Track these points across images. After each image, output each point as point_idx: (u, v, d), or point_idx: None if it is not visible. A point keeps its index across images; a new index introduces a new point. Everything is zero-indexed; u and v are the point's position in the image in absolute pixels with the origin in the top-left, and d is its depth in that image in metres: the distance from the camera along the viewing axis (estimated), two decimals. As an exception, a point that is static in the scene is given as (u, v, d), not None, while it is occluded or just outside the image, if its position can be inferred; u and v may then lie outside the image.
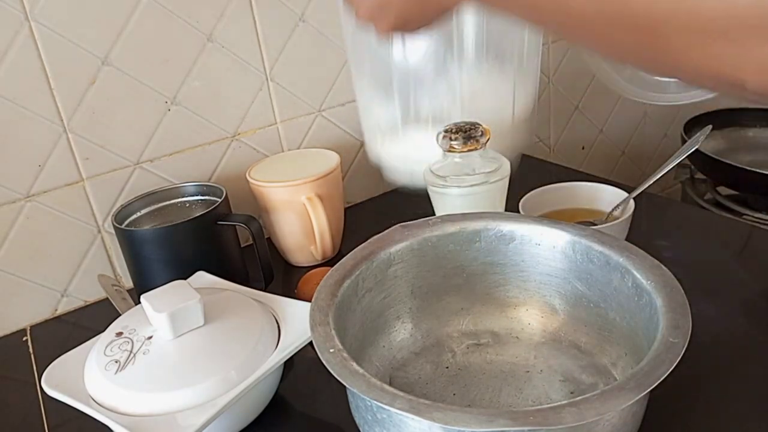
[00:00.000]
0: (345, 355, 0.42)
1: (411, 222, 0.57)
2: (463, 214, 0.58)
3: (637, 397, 0.37)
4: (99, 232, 0.76)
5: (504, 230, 0.56)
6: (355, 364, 0.42)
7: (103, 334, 0.54)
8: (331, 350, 0.43)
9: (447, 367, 0.55)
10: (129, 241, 0.68)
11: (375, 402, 0.39)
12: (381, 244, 0.55)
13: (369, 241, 0.55)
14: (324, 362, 0.42)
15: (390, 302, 0.56)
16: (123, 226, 0.68)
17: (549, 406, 0.38)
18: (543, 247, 0.55)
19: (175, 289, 0.53)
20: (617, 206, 0.68)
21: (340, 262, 0.53)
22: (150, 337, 0.52)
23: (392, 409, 0.38)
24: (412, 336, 0.57)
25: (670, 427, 0.49)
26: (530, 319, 0.57)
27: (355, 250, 0.54)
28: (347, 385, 0.40)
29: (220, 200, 0.69)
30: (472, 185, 0.66)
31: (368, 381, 0.40)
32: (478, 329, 0.58)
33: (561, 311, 0.56)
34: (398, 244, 0.55)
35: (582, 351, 0.54)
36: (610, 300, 0.51)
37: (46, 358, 0.53)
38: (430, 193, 0.70)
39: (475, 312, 0.58)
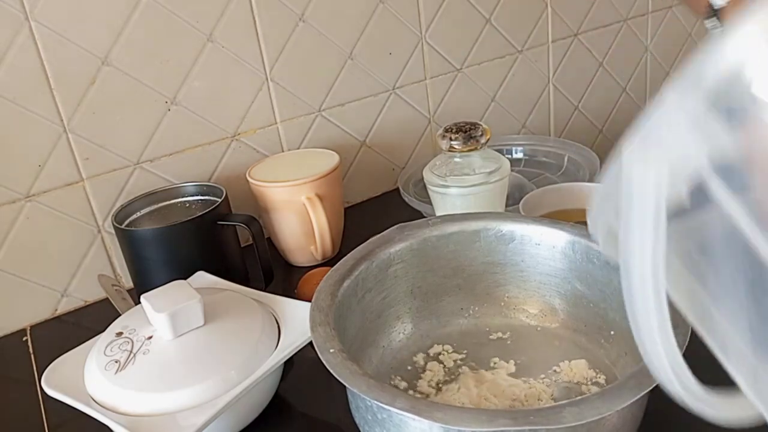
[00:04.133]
0: (345, 355, 0.43)
1: (410, 222, 0.57)
2: (463, 214, 0.58)
3: (637, 397, 0.37)
4: (99, 232, 0.76)
5: (504, 230, 0.56)
6: (355, 365, 0.42)
7: (103, 334, 0.54)
8: (331, 350, 0.43)
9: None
10: (129, 241, 0.68)
11: (375, 402, 0.39)
12: (380, 244, 0.55)
13: (369, 241, 0.55)
14: (324, 362, 0.42)
15: (390, 302, 0.56)
16: (123, 226, 0.68)
17: (549, 405, 0.38)
18: (543, 247, 0.55)
19: (175, 289, 0.53)
20: (617, 206, 0.68)
21: (340, 262, 0.53)
22: (150, 337, 0.52)
23: (392, 409, 0.38)
24: (412, 336, 0.57)
25: (670, 427, 0.49)
26: (530, 319, 0.57)
27: (354, 250, 0.54)
28: (347, 385, 0.40)
29: (220, 200, 0.69)
30: (472, 185, 0.66)
31: (368, 381, 0.40)
32: (478, 329, 0.58)
33: (561, 311, 0.56)
34: (398, 244, 0.55)
35: (582, 350, 0.54)
36: (610, 300, 0.51)
37: (46, 358, 0.53)
38: (430, 193, 0.71)
39: (475, 312, 0.58)
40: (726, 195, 0.24)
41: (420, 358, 0.55)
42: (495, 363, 0.54)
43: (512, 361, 0.54)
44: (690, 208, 0.25)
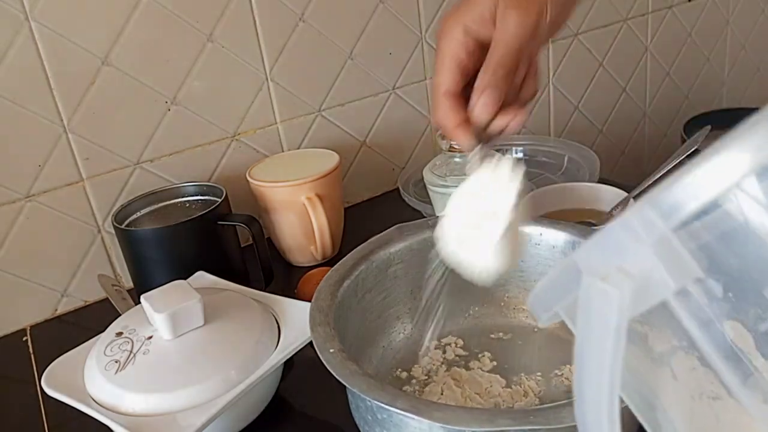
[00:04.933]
0: (345, 355, 0.43)
1: (410, 222, 0.57)
2: (463, 214, 0.58)
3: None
4: (99, 232, 0.76)
5: None
6: (354, 365, 0.42)
7: (103, 334, 0.54)
8: (331, 350, 0.43)
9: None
10: (129, 241, 0.68)
11: (375, 402, 0.39)
12: (380, 245, 0.55)
13: (368, 241, 0.55)
14: (324, 362, 0.42)
15: (390, 302, 0.56)
16: (123, 226, 0.68)
17: (549, 405, 0.38)
18: (542, 247, 0.55)
19: (175, 289, 0.53)
20: (617, 206, 0.68)
21: (339, 262, 0.53)
22: (150, 337, 0.52)
23: (393, 409, 0.38)
24: (411, 336, 0.57)
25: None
26: (530, 318, 0.57)
27: (354, 250, 0.54)
28: (347, 385, 0.40)
29: (220, 200, 0.69)
30: (472, 185, 0.66)
31: (368, 381, 0.40)
32: (478, 329, 0.58)
33: (561, 311, 0.56)
34: (398, 244, 0.55)
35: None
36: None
37: (46, 358, 0.53)
38: (430, 193, 0.71)
39: (475, 312, 0.58)
40: (691, 323, 0.24)
41: (432, 345, 0.56)
42: (482, 356, 0.54)
43: (494, 361, 0.54)
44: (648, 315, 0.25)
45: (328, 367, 0.41)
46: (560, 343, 0.55)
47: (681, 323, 0.24)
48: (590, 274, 0.24)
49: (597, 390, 0.26)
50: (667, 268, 0.22)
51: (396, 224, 0.57)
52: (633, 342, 0.26)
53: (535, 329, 0.57)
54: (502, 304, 0.58)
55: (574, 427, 0.35)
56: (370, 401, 0.41)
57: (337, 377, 0.41)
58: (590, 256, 0.24)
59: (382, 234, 0.56)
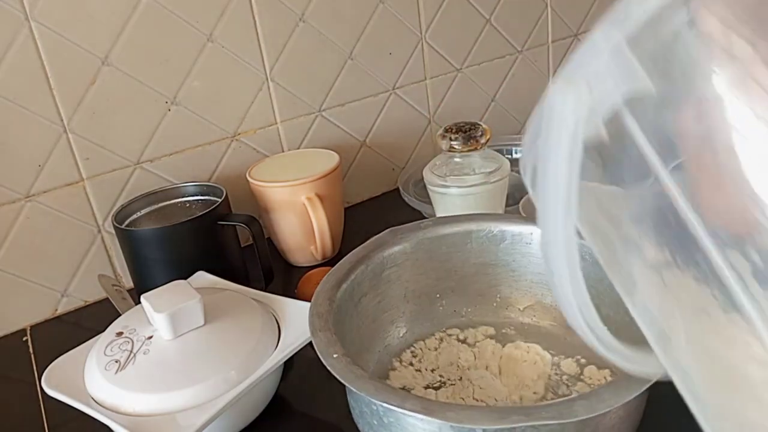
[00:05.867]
0: (348, 359, 0.42)
1: (403, 225, 0.57)
2: (455, 216, 0.58)
3: (646, 387, 0.37)
4: (99, 232, 0.76)
5: (494, 231, 0.56)
6: (359, 368, 0.41)
7: (103, 334, 0.54)
8: (335, 355, 0.43)
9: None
10: (129, 241, 0.68)
11: (384, 405, 0.38)
12: (375, 248, 0.55)
13: (364, 244, 0.55)
14: (329, 368, 0.42)
15: (384, 306, 0.56)
16: (123, 226, 0.68)
17: (560, 400, 0.38)
18: (534, 245, 0.55)
19: (175, 289, 0.53)
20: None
21: (336, 266, 0.53)
22: (150, 337, 0.52)
23: (403, 411, 0.37)
24: (407, 339, 0.57)
25: (670, 420, 0.49)
26: (524, 318, 0.57)
27: (350, 253, 0.54)
28: (355, 390, 0.40)
29: (220, 200, 0.69)
30: (472, 185, 0.66)
31: (376, 384, 0.40)
32: (473, 330, 0.58)
33: (554, 309, 0.56)
34: (392, 247, 0.55)
35: (577, 348, 0.54)
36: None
37: (46, 358, 0.53)
38: (430, 193, 0.71)
39: (469, 314, 0.58)
40: (638, 131, 0.25)
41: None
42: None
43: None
44: (609, 143, 0.26)
45: (334, 373, 0.41)
46: (555, 340, 0.55)
47: (630, 134, 0.25)
48: (554, 93, 0.27)
49: (555, 183, 0.27)
50: (620, 74, 0.24)
51: (394, 225, 0.57)
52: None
53: (529, 326, 0.57)
54: (495, 304, 0.58)
55: (586, 420, 0.35)
56: (376, 405, 0.41)
57: (343, 382, 0.40)
58: (556, 84, 0.26)
59: (375, 237, 0.56)
